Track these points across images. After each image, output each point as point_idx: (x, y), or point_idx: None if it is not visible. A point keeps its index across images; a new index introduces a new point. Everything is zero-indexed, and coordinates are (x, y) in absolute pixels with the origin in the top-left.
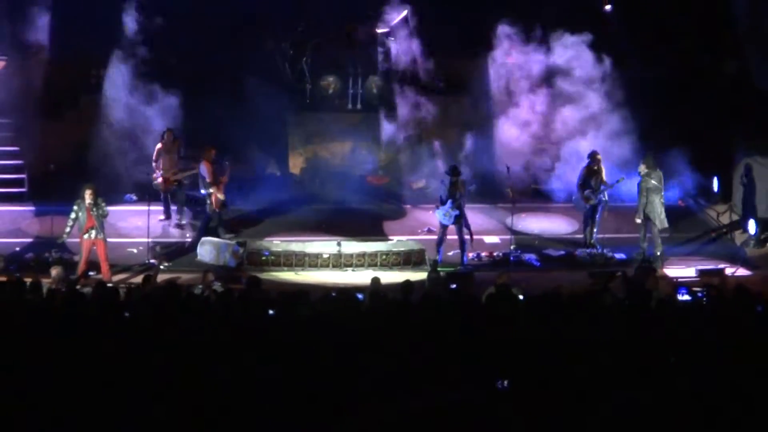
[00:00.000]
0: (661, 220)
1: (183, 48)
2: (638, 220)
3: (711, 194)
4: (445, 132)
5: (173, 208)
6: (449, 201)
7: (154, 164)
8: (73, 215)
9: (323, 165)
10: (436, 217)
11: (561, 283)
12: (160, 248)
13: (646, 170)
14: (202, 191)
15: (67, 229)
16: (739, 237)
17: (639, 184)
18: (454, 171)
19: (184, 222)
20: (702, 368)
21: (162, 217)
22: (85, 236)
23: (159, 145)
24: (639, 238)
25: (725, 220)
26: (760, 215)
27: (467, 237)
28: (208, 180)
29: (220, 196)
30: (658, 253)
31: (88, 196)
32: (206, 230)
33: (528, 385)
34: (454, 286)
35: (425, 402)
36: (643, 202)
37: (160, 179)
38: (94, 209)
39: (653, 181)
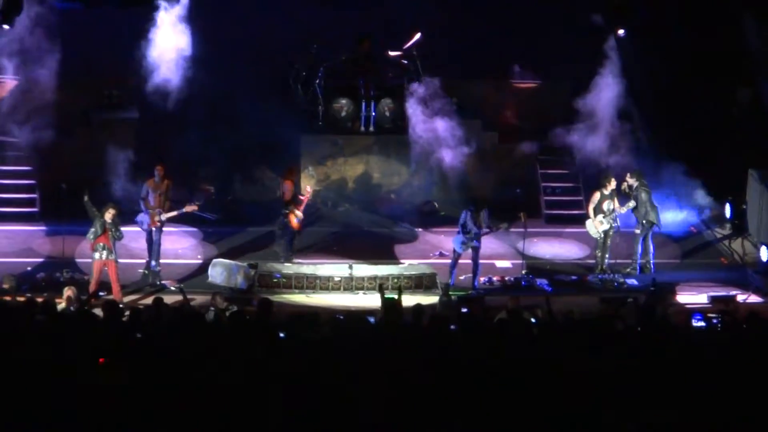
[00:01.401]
0: (658, 220)
1: (196, 70)
2: (638, 230)
3: (724, 220)
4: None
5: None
6: (473, 232)
7: (141, 202)
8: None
9: (335, 187)
10: (452, 243)
11: (572, 309)
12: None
13: (637, 183)
14: (284, 210)
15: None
16: (748, 259)
17: (633, 197)
18: (477, 203)
19: (153, 266)
20: (715, 394)
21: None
22: (96, 256)
23: (148, 183)
24: (641, 254)
25: (737, 246)
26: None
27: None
28: (286, 199)
29: (299, 215)
30: (651, 259)
31: (109, 216)
32: (292, 247)
33: (539, 409)
34: (465, 309)
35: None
36: (646, 210)
37: (146, 219)
38: (112, 230)
39: (644, 193)
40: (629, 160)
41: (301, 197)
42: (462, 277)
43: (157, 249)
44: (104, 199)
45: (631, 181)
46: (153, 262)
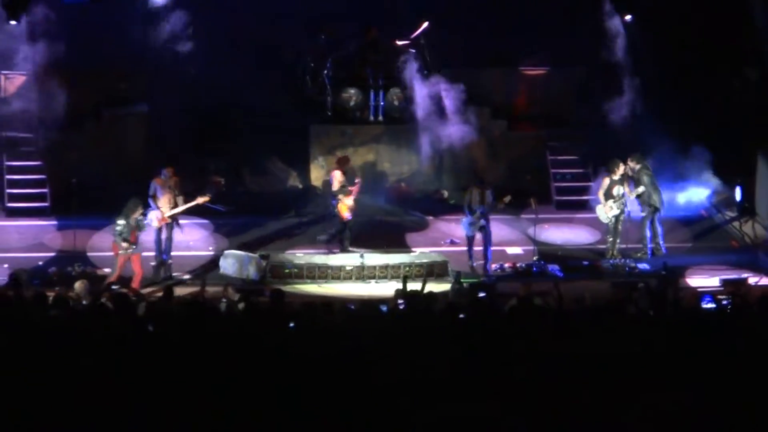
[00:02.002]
0: (661, 203)
1: (203, 61)
2: (645, 213)
3: (734, 204)
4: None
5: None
6: (476, 210)
7: (150, 200)
8: (119, 228)
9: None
10: (462, 228)
11: (583, 294)
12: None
13: (639, 166)
14: (334, 201)
15: (124, 245)
16: (759, 241)
17: (636, 180)
18: (483, 182)
19: (165, 258)
20: (726, 378)
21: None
22: (122, 252)
23: (156, 180)
24: (651, 237)
25: (748, 229)
26: None
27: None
28: (333, 188)
29: (348, 204)
30: (661, 242)
31: (138, 214)
32: (343, 236)
33: (550, 398)
34: (482, 294)
35: (447, 413)
36: (649, 193)
37: (154, 215)
38: (139, 226)
39: (646, 176)
40: (635, 142)
41: (351, 188)
42: (474, 264)
43: (169, 243)
44: (115, 196)
45: (632, 164)
46: (164, 255)
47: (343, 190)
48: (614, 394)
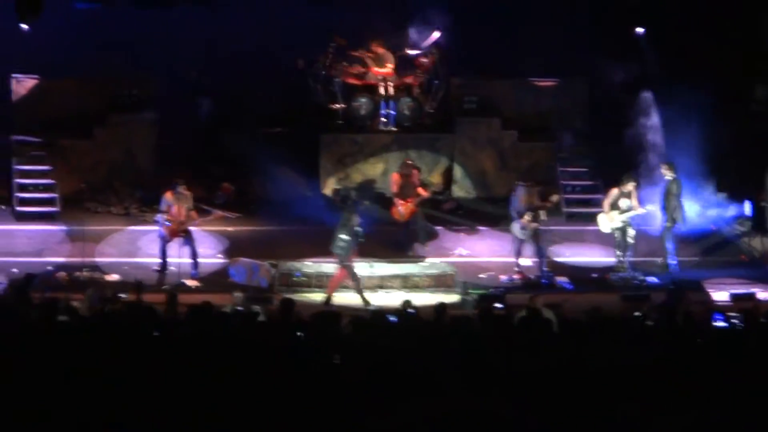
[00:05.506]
0: (683, 218)
1: (212, 68)
2: (669, 224)
3: (743, 218)
4: (475, 153)
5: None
6: (525, 212)
7: (160, 215)
8: (344, 244)
9: (355, 186)
10: (512, 231)
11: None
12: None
13: (670, 175)
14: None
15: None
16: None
17: (666, 188)
18: (526, 180)
19: (194, 275)
20: (736, 395)
21: (158, 268)
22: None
23: (167, 195)
24: (666, 254)
25: (756, 244)
26: None
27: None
28: (392, 191)
29: (399, 209)
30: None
31: (356, 221)
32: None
33: (558, 409)
34: (500, 305)
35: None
36: (675, 205)
37: (165, 229)
38: (360, 234)
39: (675, 186)
40: (649, 156)
41: (417, 190)
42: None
43: (195, 259)
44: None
45: (664, 170)
46: (194, 272)
47: (401, 193)
48: (625, 409)
